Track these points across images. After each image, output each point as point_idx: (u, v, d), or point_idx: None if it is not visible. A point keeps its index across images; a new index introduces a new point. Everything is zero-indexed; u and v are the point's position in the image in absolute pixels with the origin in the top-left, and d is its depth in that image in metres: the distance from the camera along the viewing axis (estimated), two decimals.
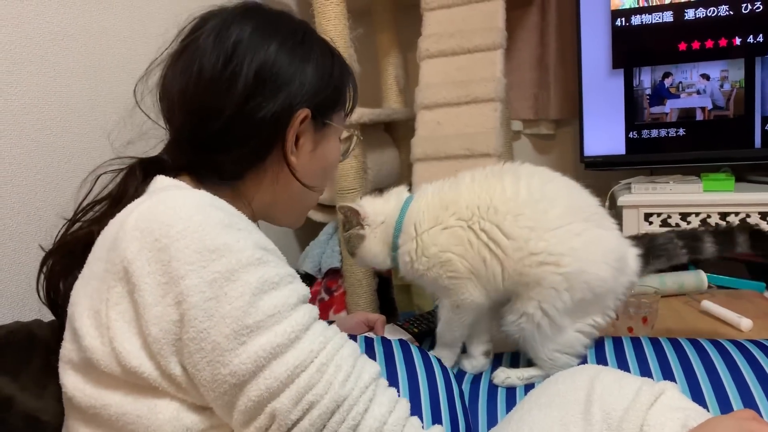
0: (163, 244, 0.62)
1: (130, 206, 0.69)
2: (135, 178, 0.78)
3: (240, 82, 0.76)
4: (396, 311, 1.81)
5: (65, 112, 1.23)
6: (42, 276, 0.78)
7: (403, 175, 2.25)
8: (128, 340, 0.63)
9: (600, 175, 2.15)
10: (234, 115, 0.76)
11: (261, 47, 0.78)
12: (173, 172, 0.78)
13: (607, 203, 1.90)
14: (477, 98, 1.71)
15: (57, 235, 0.81)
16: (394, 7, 2.21)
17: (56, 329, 0.83)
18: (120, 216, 0.69)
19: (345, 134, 0.97)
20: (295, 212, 0.92)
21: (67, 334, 0.69)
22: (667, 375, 0.96)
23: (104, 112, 1.31)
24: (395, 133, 2.25)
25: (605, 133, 1.88)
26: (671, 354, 1.01)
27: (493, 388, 1.06)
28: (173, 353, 0.62)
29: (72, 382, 0.67)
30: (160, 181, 0.76)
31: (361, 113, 1.83)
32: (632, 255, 1.07)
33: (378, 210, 1.12)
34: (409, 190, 1.20)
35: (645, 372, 0.98)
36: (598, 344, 1.11)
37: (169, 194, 0.67)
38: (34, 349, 0.80)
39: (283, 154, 0.81)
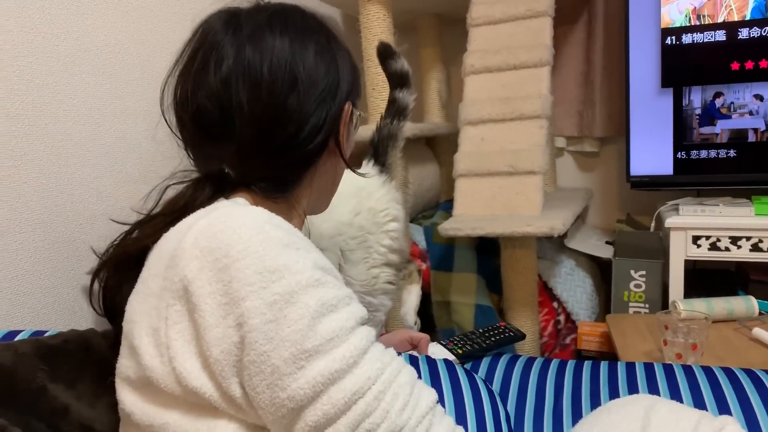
0: (223, 264, 0.62)
1: (186, 221, 0.69)
2: (202, 193, 0.77)
3: (300, 89, 0.76)
4: (435, 328, 1.80)
5: (120, 121, 1.26)
6: (96, 286, 0.79)
7: (443, 190, 2.24)
8: (189, 360, 0.63)
9: (645, 195, 2.13)
10: (300, 123, 0.76)
11: (305, 50, 0.78)
12: (234, 186, 0.79)
13: (653, 224, 1.87)
14: (523, 115, 1.70)
15: (111, 245, 0.82)
16: (439, 22, 2.22)
17: (111, 339, 0.85)
18: (175, 232, 0.69)
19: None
20: (329, 198, 0.93)
21: (124, 350, 0.70)
22: (723, 407, 0.93)
23: (156, 121, 1.33)
24: (437, 147, 2.25)
25: (652, 152, 1.85)
26: (726, 385, 0.98)
27: (539, 412, 1.04)
28: (234, 374, 0.62)
29: (130, 399, 0.68)
30: (234, 200, 0.76)
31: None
32: None
33: None
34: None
35: (699, 403, 0.95)
36: (649, 370, 1.08)
37: (227, 212, 0.67)
38: (90, 358, 0.81)
39: (339, 149, 0.83)
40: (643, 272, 1.73)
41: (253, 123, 0.75)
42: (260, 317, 0.60)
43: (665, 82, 1.81)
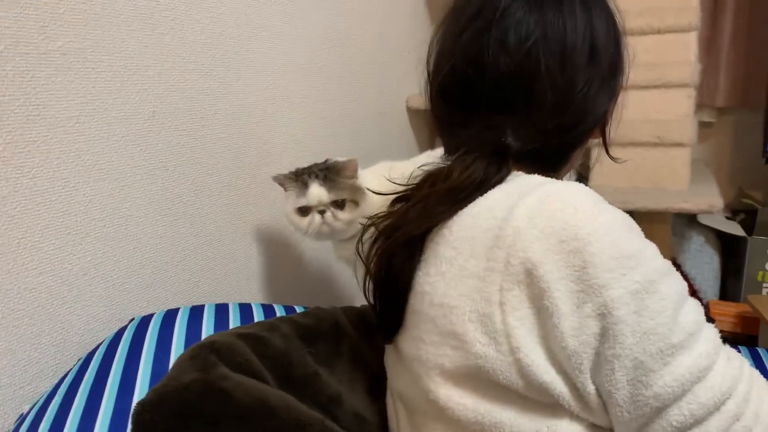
0: (572, 246, 0.55)
1: (494, 197, 0.63)
2: (494, 166, 0.67)
3: (599, 65, 0.68)
4: None
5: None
6: (380, 262, 0.69)
7: None
8: (534, 351, 0.57)
9: (758, 169, 2.03)
10: (595, 99, 0.69)
11: (599, 18, 0.70)
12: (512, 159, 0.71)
13: None
14: (669, 83, 1.60)
15: (378, 220, 0.71)
16: None
17: (354, 317, 0.79)
18: (486, 209, 0.62)
19: None
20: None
21: (431, 336, 0.63)
22: None
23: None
24: None
25: None
26: None
27: None
28: (590, 369, 0.57)
29: (447, 392, 0.61)
30: (520, 175, 0.68)
31: None
32: None
33: None
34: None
35: None
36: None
37: (555, 188, 0.60)
38: (342, 339, 0.75)
39: (602, 130, 0.76)
40: None
41: (552, 95, 0.67)
42: (625, 308, 0.55)
43: None
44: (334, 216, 0.90)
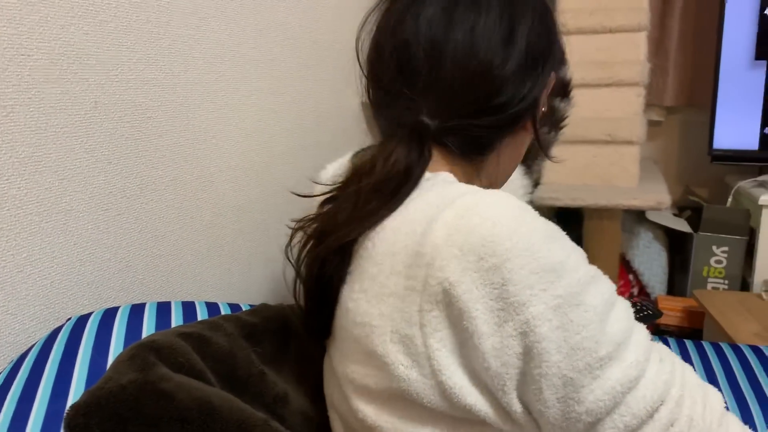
0: (491, 263, 0.54)
1: (416, 208, 0.61)
2: (415, 151, 0.65)
3: (517, 45, 0.68)
4: None
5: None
6: (312, 269, 0.69)
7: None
8: (456, 373, 0.56)
9: (705, 167, 2.09)
10: (510, 80, 0.67)
11: (525, 6, 0.70)
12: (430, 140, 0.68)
13: (730, 199, 1.84)
14: (620, 81, 1.63)
15: (308, 222, 0.69)
16: None
17: (304, 319, 0.77)
18: (409, 222, 0.60)
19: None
20: (507, 175, 0.83)
21: (355, 356, 0.62)
22: None
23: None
24: None
25: (738, 126, 1.80)
26: None
27: None
28: (515, 388, 0.56)
29: (374, 413, 0.60)
30: (442, 175, 0.67)
31: None
32: None
33: None
34: None
35: None
36: (760, 355, 1.08)
37: (474, 200, 0.58)
38: (290, 338, 0.74)
39: (533, 120, 0.73)
40: (726, 248, 1.71)
41: (462, 70, 0.66)
42: (548, 324, 0.53)
43: (759, 54, 1.75)
44: None
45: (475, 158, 0.71)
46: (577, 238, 1.74)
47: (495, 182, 0.78)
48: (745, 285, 1.73)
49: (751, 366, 1.15)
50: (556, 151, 1.67)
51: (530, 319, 0.53)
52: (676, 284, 1.92)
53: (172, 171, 1.00)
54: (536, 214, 0.60)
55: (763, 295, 1.48)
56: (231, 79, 1.14)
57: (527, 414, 0.57)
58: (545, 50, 0.72)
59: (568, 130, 1.65)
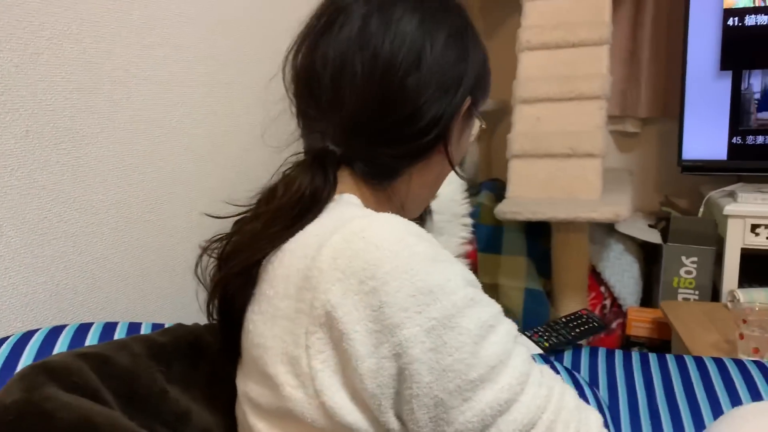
0: (370, 287, 0.56)
1: (312, 232, 0.63)
2: (319, 176, 0.67)
3: (422, 72, 0.68)
4: None
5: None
6: (215, 292, 0.71)
7: (481, 169, 2.19)
8: (337, 393, 0.58)
9: (684, 178, 2.09)
10: (415, 108, 0.68)
11: (437, 32, 0.70)
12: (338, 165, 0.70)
13: (702, 209, 1.84)
14: (582, 95, 1.65)
15: (218, 242, 0.72)
16: None
17: (218, 339, 0.79)
18: (302, 246, 0.62)
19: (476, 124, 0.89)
20: (425, 202, 0.84)
21: (252, 375, 0.64)
22: None
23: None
24: None
25: (706, 136, 1.81)
26: None
27: (635, 414, 1.02)
28: (391, 407, 0.57)
29: (265, 427, 0.63)
30: (346, 200, 0.68)
31: None
32: None
33: None
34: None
35: None
36: (721, 366, 1.07)
37: (362, 224, 0.60)
38: (202, 359, 0.76)
39: (445, 147, 0.74)
40: (695, 259, 1.70)
41: (364, 96, 0.68)
42: (420, 346, 0.55)
43: (724, 65, 1.76)
44: None
45: (384, 183, 0.73)
46: (546, 251, 1.75)
47: (407, 207, 0.78)
48: (716, 295, 1.72)
49: (710, 378, 1.15)
50: (521, 164, 1.68)
51: (403, 341, 0.55)
52: (652, 295, 1.92)
53: (115, 195, 1.03)
54: (424, 236, 0.61)
55: (729, 305, 1.47)
56: (181, 104, 1.17)
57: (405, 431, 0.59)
58: (459, 74, 0.72)
59: (532, 144, 1.67)
